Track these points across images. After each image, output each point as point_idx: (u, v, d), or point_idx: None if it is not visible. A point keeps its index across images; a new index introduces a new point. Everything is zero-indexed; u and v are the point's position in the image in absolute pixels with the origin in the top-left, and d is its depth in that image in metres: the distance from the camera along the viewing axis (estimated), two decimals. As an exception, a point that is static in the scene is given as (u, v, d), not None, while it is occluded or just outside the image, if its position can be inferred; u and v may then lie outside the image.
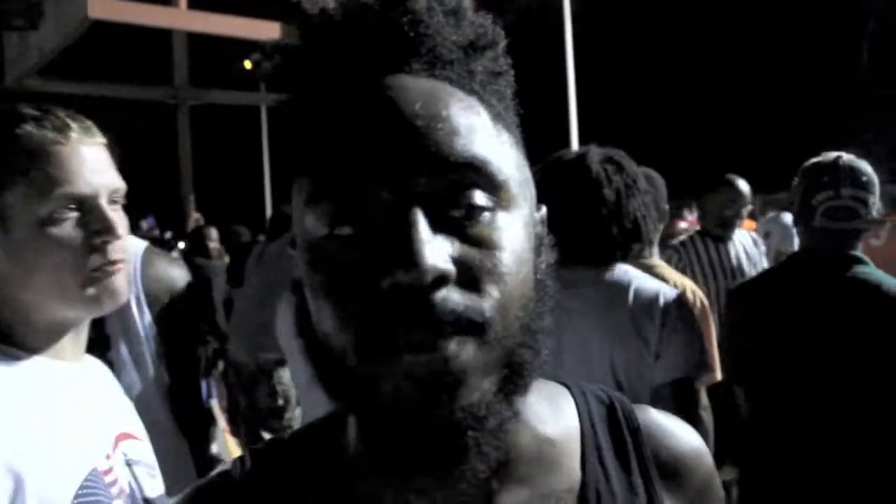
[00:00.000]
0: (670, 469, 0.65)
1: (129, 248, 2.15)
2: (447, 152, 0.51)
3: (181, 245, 7.84)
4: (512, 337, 0.52)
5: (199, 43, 9.06)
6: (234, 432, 5.37)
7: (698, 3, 30.67)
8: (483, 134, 0.53)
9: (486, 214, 0.52)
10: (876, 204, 2.07)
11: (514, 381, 0.53)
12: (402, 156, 0.50)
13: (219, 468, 0.67)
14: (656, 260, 2.51)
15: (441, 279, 0.48)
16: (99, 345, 2.08)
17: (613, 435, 0.65)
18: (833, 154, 2.11)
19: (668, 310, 1.77)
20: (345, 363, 0.51)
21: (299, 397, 2.67)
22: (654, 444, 0.66)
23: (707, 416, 2.35)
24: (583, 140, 15.34)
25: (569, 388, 0.68)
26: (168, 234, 8.31)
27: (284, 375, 4.39)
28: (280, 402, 4.59)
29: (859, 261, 2.04)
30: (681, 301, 1.81)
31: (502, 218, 0.53)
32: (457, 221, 0.51)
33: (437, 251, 0.48)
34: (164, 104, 8.97)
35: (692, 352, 1.77)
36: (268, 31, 6.50)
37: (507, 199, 0.53)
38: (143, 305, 2.13)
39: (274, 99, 0.59)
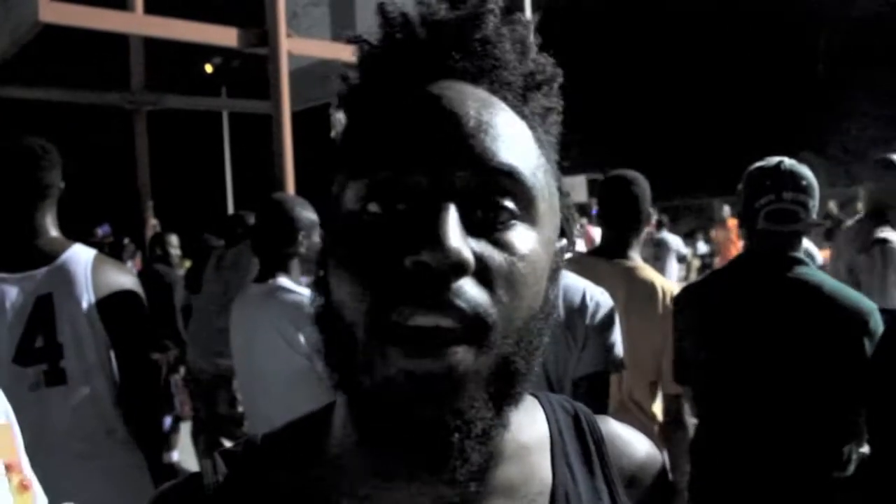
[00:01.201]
0: (630, 474, 0.70)
1: (79, 256, 2.14)
2: (490, 155, 0.54)
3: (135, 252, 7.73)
4: (510, 345, 0.54)
5: (157, 47, 8.95)
6: (195, 439, 5.32)
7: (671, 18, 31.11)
8: (525, 149, 0.57)
9: (513, 222, 0.54)
10: (816, 207, 2.12)
11: (506, 390, 0.54)
12: (447, 148, 0.53)
13: (189, 474, 0.66)
14: (638, 262, 2.56)
15: (461, 268, 0.50)
16: (51, 353, 2.06)
17: (579, 443, 0.68)
18: (775, 159, 2.16)
19: (594, 306, 1.89)
20: (353, 337, 0.53)
21: (243, 404, 2.66)
22: (615, 452, 0.70)
23: (688, 419, 2.40)
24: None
25: (537, 397, 0.71)
26: (126, 240, 8.19)
27: (244, 382, 4.36)
28: (240, 409, 4.55)
29: (801, 262, 2.08)
30: (605, 299, 1.94)
31: (527, 230, 0.55)
32: (485, 222, 0.54)
33: (462, 240, 0.50)
34: (121, 109, 8.84)
35: (611, 347, 1.91)
36: (225, 35, 6.44)
37: (534, 215, 0.56)
38: (94, 313, 2.11)
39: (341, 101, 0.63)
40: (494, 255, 0.53)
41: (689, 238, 21.15)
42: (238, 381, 2.64)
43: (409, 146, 0.54)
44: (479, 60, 0.59)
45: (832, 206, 9.45)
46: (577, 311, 1.88)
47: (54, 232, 2.21)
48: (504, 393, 0.54)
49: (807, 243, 3.37)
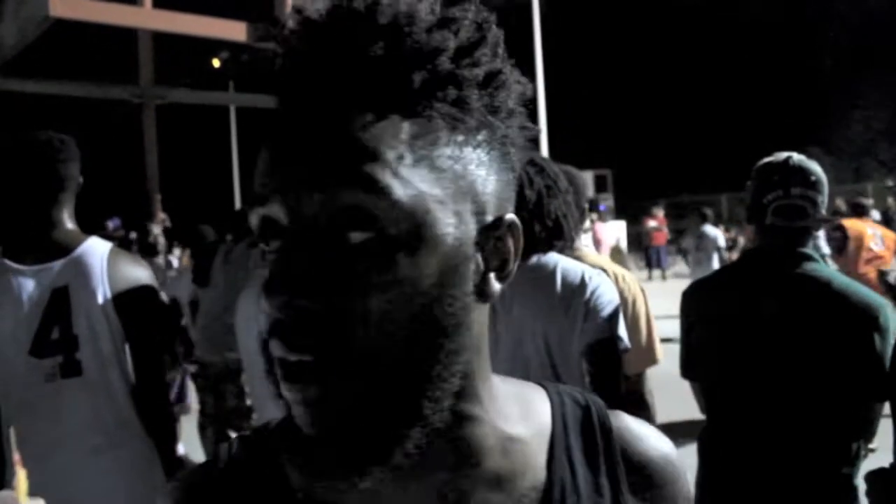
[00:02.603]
0: (639, 473, 0.67)
1: (95, 248, 2.16)
2: (337, 167, 0.51)
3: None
4: (392, 371, 0.53)
5: (165, 41, 8.97)
6: (201, 432, 5.35)
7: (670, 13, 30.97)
8: (387, 153, 0.52)
9: (379, 244, 0.51)
10: (825, 203, 2.11)
11: (394, 403, 0.54)
12: (294, 174, 0.52)
13: (204, 461, 0.68)
14: (586, 251, 2.60)
15: (303, 311, 0.51)
16: (67, 345, 2.08)
17: (585, 437, 0.66)
18: (784, 154, 2.15)
19: (594, 286, 1.95)
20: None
21: (250, 395, 2.67)
22: (624, 448, 0.67)
23: (652, 400, 2.41)
24: (552, 141, 15.44)
25: (545, 388, 0.70)
26: (133, 235, 8.22)
27: (252, 375, 4.38)
28: (248, 401, 4.57)
29: (810, 258, 2.07)
30: (604, 279, 2.00)
31: (394, 249, 0.52)
32: (341, 251, 0.51)
33: (302, 283, 0.50)
34: (129, 103, 8.86)
35: (613, 318, 1.95)
36: (233, 30, 6.46)
37: (410, 232, 0.52)
38: (109, 306, 2.14)
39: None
40: (350, 286, 0.51)
41: (695, 234, 21.11)
42: (249, 375, 2.65)
43: (266, 179, 0.53)
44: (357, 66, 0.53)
45: (839, 202, 9.45)
46: (576, 290, 1.93)
47: (71, 225, 2.23)
48: (401, 415, 0.54)
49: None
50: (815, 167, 2.12)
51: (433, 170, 0.53)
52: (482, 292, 0.57)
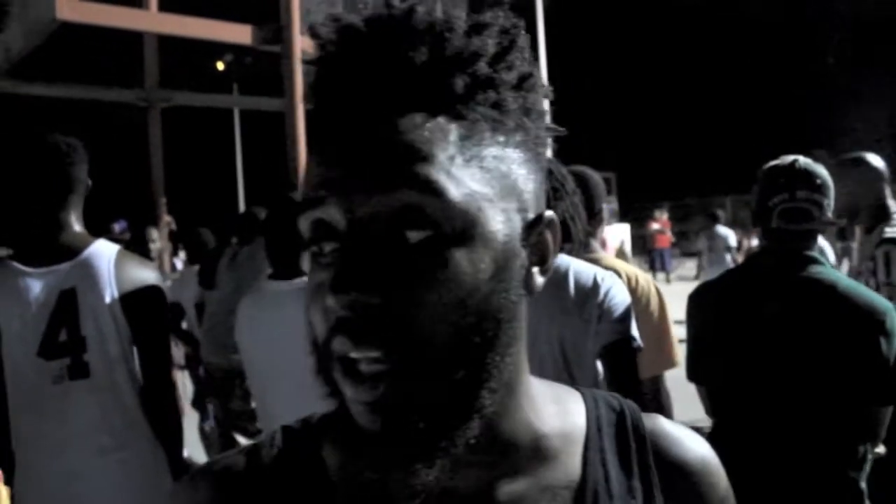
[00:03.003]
0: (676, 476, 0.67)
1: (102, 251, 2.17)
2: (395, 171, 0.52)
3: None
4: (450, 366, 0.54)
5: (170, 45, 8.99)
6: (202, 433, 5.37)
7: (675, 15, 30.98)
8: (440, 154, 0.53)
9: (432, 243, 0.53)
10: (831, 206, 2.11)
11: (459, 407, 0.55)
12: (351, 177, 0.53)
13: (244, 446, 0.69)
14: (602, 253, 2.58)
15: (370, 307, 0.52)
16: (74, 347, 2.09)
17: (619, 440, 0.67)
18: (790, 158, 2.16)
19: (606, 287, 1.97)
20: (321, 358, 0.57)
21: (255, 401, 2.66)
22: (660, 452, 0.68)
23: (669, 403, 2.40)
24: (557, 144, 15.37)
25: (581, 393, 0.71)
26: (133, 237, 8.23)
27: (258, 378, 4.38)
28: (253, 404, 4.57)
29: (815, 261, 2.07)
30: (616, 281, 2.01)
31: (452, 248, 0.53)
32: (402, 251, 0.53)
33: (367, 281, 0.52)
34: (135, 106, 8.89)
35: (627, 320, 1.97)
36: (238, 32, 6.48)
37: (464, 229, 0.54)
38: (117, 308, 2.14)
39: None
40: (413, 285, 0.52)
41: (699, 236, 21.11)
42: (251, 378, 2.63)
43: (321, 182, 0.54)
44: (406, 73, 0.55)
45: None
46: (590, 292, 1.95)
47: (79, 227, 2.24)
48: (457, 410, 0.55)
49: (821, 241, 3.36)
50: (820, 170, 2.12)
51: (481, 169, 0.55)
52: (528, 286, 0.60)
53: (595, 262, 2.45)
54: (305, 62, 0.60)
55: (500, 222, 0.56)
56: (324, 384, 0.58)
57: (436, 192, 0.52)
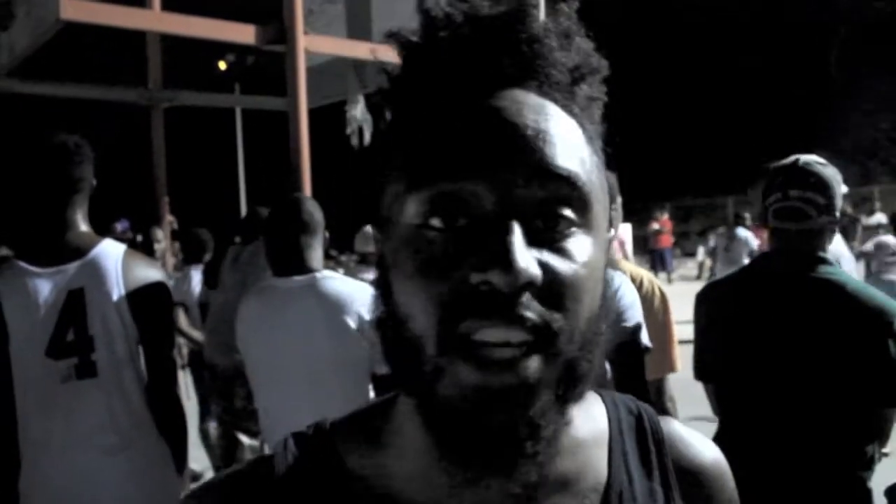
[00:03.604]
0: (690, 479, 0.69)
1: (109, 250, 2.18)
2: (550, 164, 0.55)
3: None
4: (575, 349, 0.55)
5: (173, 44, 8.99)
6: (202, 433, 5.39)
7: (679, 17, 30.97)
8: (581, 154, 0.58)
9: (573, 230, 0.55)
10: (832, 205, 2.08)
11: (571, 391, 0.56)
12: (508, 161, 0.54)
13: (257, 457, 0.67)
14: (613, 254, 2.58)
15: (530, 284, 0.52)
16: (82, 347, 2.10)
17: (639, 443, 0.68)
18: (793, 157, 2.16)
19: (614, 287, 1.99)
20: (421, 349, 0.54)
21: (255, 399, 2.65)
22: (676, 455, 0.69)
23: (673, 406, 2.40)
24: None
25: (601, 395, 0.72)
26: (140, 238, 8.25)
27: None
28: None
29: (823, 261, 2.06)
30: (623, 278, 2.03)
31: (585, 236, 0.56)
32: (546, 233, 0.55)
33: (530, 258, 0.52)
34: (138, 106, 8.89)
35: (633, 318, 2.00)
36: (241, 32, 6.47)
37: (590, 219, 0.57)
38: (124, 307, 2.16)
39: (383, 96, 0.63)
40: (557, 266, 0.54)
41: (701, 237, 21.09)
42: (252, 375, 2.63)
43: (469, 159, 0.54)
44: (529, 61, 0.58)
45: (845, 204, 9.48)
46: None
47: (85, 227, 2.25)
48: (570, 395, 0.56)
49: (837, 243, 3.35)
50: (818, 169, 2.09)
51: (597, 167, 0.60)
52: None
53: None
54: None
55: (605, 228, 0.61)
56: (409, 378, 0.56)
57: (581, 188, 0.56)
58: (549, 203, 0.55)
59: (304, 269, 2.50)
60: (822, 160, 2.15)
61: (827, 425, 1.98)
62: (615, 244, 2.72)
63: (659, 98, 33.10)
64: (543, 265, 0.53)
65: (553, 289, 0.53)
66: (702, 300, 2.28)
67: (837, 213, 2.10)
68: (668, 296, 2.50)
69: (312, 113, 6.44)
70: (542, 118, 0.56)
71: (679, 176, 29.60)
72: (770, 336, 2.06)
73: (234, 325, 2.69)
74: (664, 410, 2.38)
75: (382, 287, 0.60)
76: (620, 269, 2.41)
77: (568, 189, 0.55)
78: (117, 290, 2.15)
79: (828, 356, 1.97)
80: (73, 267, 2.14)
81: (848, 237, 7.53)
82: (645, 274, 2.48)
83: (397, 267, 0.57)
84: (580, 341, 0.55)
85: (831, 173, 2.11)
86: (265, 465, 0.65)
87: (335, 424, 0.68)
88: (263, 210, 5.12)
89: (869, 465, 1.98)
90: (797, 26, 32.15)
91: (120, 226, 7.58)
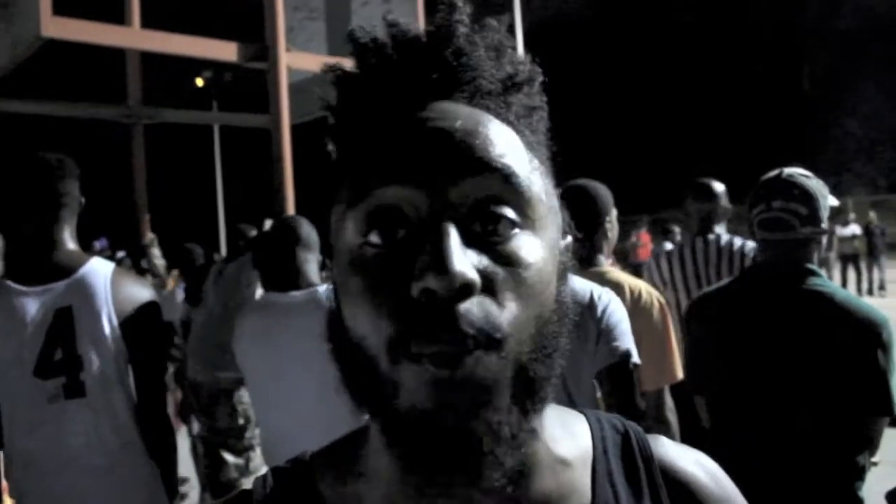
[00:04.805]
0: (684, 494, 0.67)
1: (98, 269, 2.17)
2: (480, 157, 0.54)
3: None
4: (527, 353, 0.54)
5: (152, 62, 8.98)
6: (194, 451, 5.32)
7: (657, 29, 31.33)
8: (516, 154, 0.57)
9: (514, 231, 0.55)
10: (817, 216, 2.10)
11: (529, 396, 0.54)
12: (437, 160, 0.54)
13: (239, 490, 0.67)
14: (607, 267, 2.59)
15: (467, 289, 0.50)
16: (70, 366, 2.08)
17: (626, 462, 0.67)
18: (777, 170, 2.19)
19: (603, 305, 2.00)
20: (376, 367, 0.53)
21: (257, 417, 2.62)
22: (666, 471, 0.67)
23: (673, 417, 2.41)
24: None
25: (585, 415, 0.71)
26: (120, 254, 8.18)
27: (244, 395, 4.36)
28: (241, 421, 4.54)
29: (812, 273, 2.08)
30: (613, 297, 2.03)
31: (528, 237, 0.55)
32: (485, 236, 0.54)
33: (466, 261, 0.51)
34: (119, 123, 8.86)
35: (623, 338, 2.00)
36: (223, 50, 6.48)
37: (533, 219, 0.56)
38: (115, 325, 2.14)
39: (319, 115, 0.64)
40: (498, 270, 0.53)
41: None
42: (258, 393, 2.60)
43: (398, 167, 0.54)
44: (455, 72, 0.59)
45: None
46: (586, 309, 1.97)
47: (73, 245, 2.23)
48: (526, 398, 0.54)
49: None
50: (802, 181, 2.11)
51: (541, 173, 0.60)
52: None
53: (600, 275, 2.46)
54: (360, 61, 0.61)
55: (554, 232, 0.60)
56: (368, 399, 0.55)
57: (518, 184, 0.55)
58: (486, 203, 0.54)
59: (305, 283, 2.50)
60: (806, 172, 2.18)
61: (817, 436, 1.99)
62: (607, 256, 2.73)
63: (637, 113, 33.42)
64: (484, 269, 0.52)
65: (495, 291, 0.52)
66: (692, 311, 2.30)
67: (823, 225, 2.11)
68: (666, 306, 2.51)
69: (294, 129, 6.45)
70: (471, 121, 0.56)
71: (658, 189, 29.86)
72: (760, 347, 2.07)
73: (218, 341, 2.67)
74: (664, 421, 2.39)
75: (334, 316, 0.60)
76: (619, 283, 2.42)
77: (504, 185, 0.54)
78: (106, 309, 2.13)
79: (817, 367, 1.98)
80: (61, 286, 2.12)
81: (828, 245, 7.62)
82: (643, 285, 2.49)
83: (345, 291, 0.56)
84: (531, 345, 0.54)
85: (815, 185, 2.13)
86: (245, 499, 0.66)
87: (315, 455, 0.68)
88: (248, 227, 5.12)
89: (860, 474, 1.99)
90: (770, 41, 32.64)
91: (98, 244, 7.53)
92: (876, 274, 16.70)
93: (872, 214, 17.18)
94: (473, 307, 0.51)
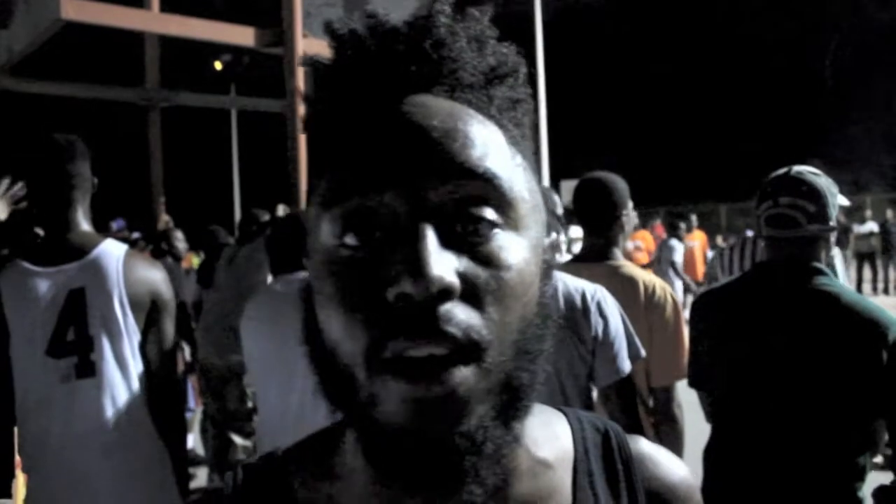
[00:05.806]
0: (659, 498, 0.67)
1: (111, 250, 2.20)
2: (460, 161, 0.52)
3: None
4: (509, 359, 0.52)
5: (170, 44, 9.02)
6: (204, 433, 5.38)
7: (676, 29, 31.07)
8: (497, 153, 0.55)
9: (495, 231, 0.53)
10: (826, 213, 2.07)
11: (512, 405, 0.53)
12: (416, 164, 0.52)
13: (208, 487, 0.69)
14: (622, 261, 2.58)
15: (446, 293, 0.49)
16: (82, 346, 2.11)
17: (606, 462, 0.66)
18: (786, 167, 2.17)
19: (596, 307, 1.98)
20: (353, 377, 0.52)
21: (256, 403, 2.65)
22: (644, 474, 0.67)
23: (680, 413, 2.41)
24: (553, 149, 15.48)
25: (565, 414, 0.70)
26: (136, 235, 8.25)
27: (254, 378, 4.40)
28: (250, 404, 4.59)
29: (819, 272, 2.06)
30: (604, 293, 2.02)
31: (510, 237, 0.54)
32: (465, 237, 0.52)
33: (444, 264, 0.49)
34: (136, 105, 8.92)
35: (620, 353, 1.99)
36: (240, 34, 6.50)
37: (515, 218, 0.54)
38: (126, 307, 2.17)
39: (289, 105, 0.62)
40: (479, 272, 0.51)
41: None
42: (261, 373, 2.63)
43: (376, 167, 0.52)
44: (435, 65, 0.56)
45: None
46: (580, 312, 1.96)
47: (86, 226, 2.25)
48: (510, 407, 0.53)
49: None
50: (810, 178, 2.09)
51: (523, 168, 0.58)
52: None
53: (614, 269, 2.47)
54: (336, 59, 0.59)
55: (538, 231, 0.58)
56: (344, 407, 0.54)
57: (499, 185, 0.53)
58: (466, 203, 0.52)
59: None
60: (815, 170, 2.15)
61: (820, 436, 1.98)
62: (633, 252, 2.75)
63: (652, 107, 33.19)
64: (464, 272, 0.51)
65: (476, 296, 0.51)
66: (697, 308, 2.29)
67: (831, 222, 2.08)
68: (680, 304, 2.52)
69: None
70: (450, 119, 0.54)
71: (674, 183, 29.70)
72: (764, 346, 2.06)
73: (229, 324, 2.71)
74: (672, 417, 2.41)
75: (308, 319, 0.58)
76: (632, 278, 2.43)
77: (484, 189, 0.53)
78: (118, 291, 2.16)
79: (822, 367, 1.96)
80: (74, 266, 2.15)
81: (840, 246, 7.58)
82: (658, 281, 2.48)
83: (320, 293, 0.54)
84: (513, 351, 0.53)
85: (824, 182, 2.10)
86: (215, 497, 0.66)
87: (287, 452, 0.67)
88: (261, 212, 5.15)
89: (861, 475, 1.98)
90: (793, 35, 32.30)
91: (115, 224, 7.59)
92: (892, 273, 16.54)
93: (889, 212, 16.98)
94: (455, 310, 0.49)
